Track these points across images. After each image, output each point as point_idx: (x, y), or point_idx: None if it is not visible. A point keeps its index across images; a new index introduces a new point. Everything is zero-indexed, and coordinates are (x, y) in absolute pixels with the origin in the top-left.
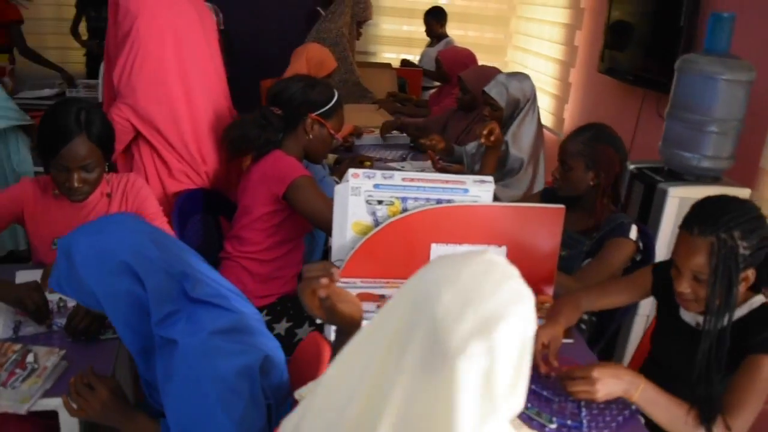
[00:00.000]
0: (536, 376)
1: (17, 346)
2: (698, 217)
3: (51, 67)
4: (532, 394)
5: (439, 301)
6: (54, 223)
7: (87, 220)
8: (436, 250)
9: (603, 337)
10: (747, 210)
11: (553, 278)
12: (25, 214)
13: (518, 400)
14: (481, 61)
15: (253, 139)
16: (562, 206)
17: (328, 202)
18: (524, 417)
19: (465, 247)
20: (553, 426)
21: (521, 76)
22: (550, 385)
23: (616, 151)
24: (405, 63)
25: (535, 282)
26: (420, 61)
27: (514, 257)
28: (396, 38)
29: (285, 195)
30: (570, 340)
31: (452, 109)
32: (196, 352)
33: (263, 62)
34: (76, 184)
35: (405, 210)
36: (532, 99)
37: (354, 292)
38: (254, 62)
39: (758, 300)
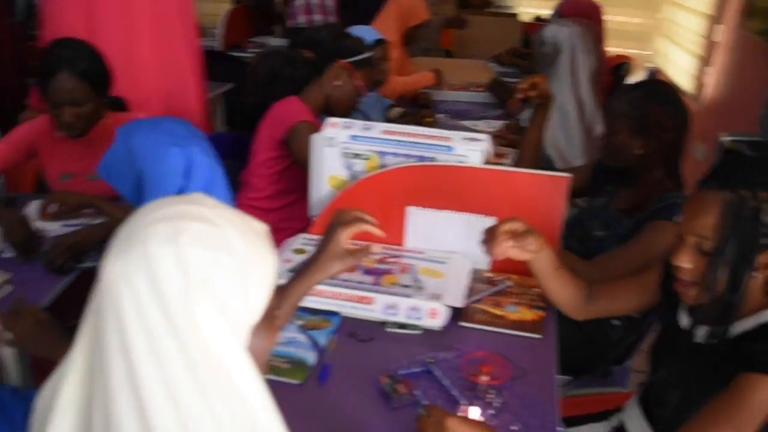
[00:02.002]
0: (451, 373)
1: None
2: (717, 170)
3: None
4: (436, 387)
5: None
6: (64, 158)
7: (94, 156)
8: (413, 213)
9: (632, 344)
10: None
11: None
12: (39, 149)
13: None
14: (631, 18)
15: (275, 69)
16: (567, 175)
17: None
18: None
19: (445, 213)
20: None
21: (566, 22)
22: (463, 383)
23: (670, 114)
24: (538, 21)
25: None
26: (552, 16)
27: None
28: None
29: (286, 139)
30: (537, 336)
31: None
32: None
33: None
34: (67, 119)
35: (384, 166)
36: (568, 51)
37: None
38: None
39: None
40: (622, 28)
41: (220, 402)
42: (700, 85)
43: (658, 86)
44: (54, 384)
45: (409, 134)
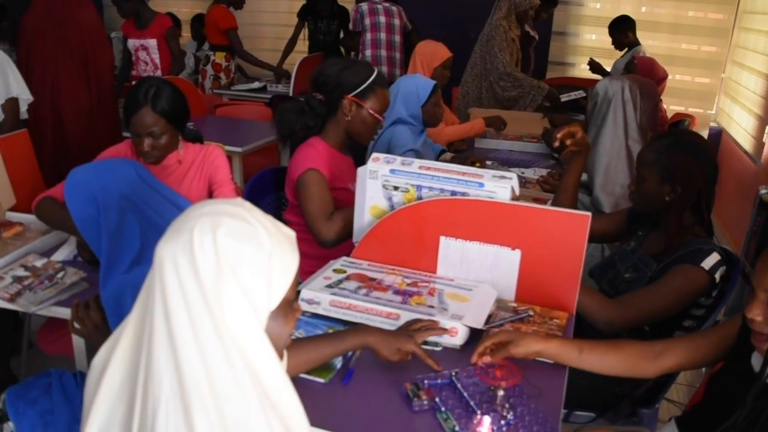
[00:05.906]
0: (471, 382)
1: (58, 265)
2: None
3: (263, 66)
4: (456, 398)
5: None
6: None
7: (166, 181)
8: (445, 243)
9: (660, 386)
10: None
11: (574, 295)
12: None
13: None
14: (695, 77)
15: (291, 124)
16: (588, 213)
17: (323, 206)
18: (434, 423)
19: (474, 245)
20: None
21: (621, 77)
22: (481, 396)
23: (696, 162)
24: (593, 65)
25: (552, 295)
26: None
27: (529, 264)
28: (597, 49)
29: (295, 186)
30: (549, 360)
31: None
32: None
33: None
34: (145, 148)
35: (420, 198)
36: (613, 102)
37: (350, 271)
38: None
39: None
40: (686, 87)
41: (239, 362)
42: (759, 146)
43: (686, 136)
44: (110, 345)
45: (443, 170)
